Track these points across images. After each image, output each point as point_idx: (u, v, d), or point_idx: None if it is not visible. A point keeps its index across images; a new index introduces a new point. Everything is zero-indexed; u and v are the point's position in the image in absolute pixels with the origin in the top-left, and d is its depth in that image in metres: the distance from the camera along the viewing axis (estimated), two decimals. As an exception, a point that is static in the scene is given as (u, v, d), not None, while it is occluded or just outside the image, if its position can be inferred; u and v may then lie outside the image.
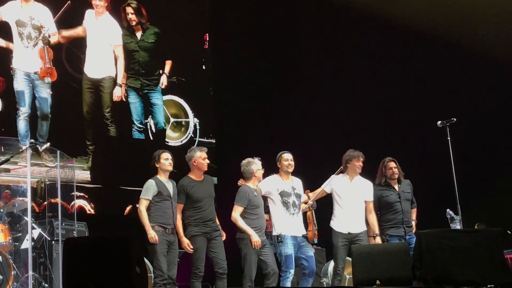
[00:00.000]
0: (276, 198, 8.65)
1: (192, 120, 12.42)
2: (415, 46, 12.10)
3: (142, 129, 11.88)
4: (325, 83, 12.60)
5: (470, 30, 11.41)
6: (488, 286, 7.13)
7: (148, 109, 12.04)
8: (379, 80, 12.43)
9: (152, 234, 8.01)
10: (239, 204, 8.36)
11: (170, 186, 8.37)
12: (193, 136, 12.38)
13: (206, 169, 8.58)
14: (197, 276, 8.26)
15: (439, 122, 9.10)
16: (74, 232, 9.58)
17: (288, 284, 8.47)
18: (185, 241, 8.18)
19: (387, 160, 9.22)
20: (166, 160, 8.41)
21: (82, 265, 5.73)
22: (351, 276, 9.17)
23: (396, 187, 9.16)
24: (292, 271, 8.54)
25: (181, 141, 12.32)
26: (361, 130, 12.08)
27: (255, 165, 8.64)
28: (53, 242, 9.40)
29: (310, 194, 8.89)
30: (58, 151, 9.45)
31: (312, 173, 9.44)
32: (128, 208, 11.51)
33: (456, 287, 7.04)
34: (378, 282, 6.92)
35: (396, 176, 9.16)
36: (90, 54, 11.60)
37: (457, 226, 8.55)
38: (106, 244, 5.79)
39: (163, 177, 8.38)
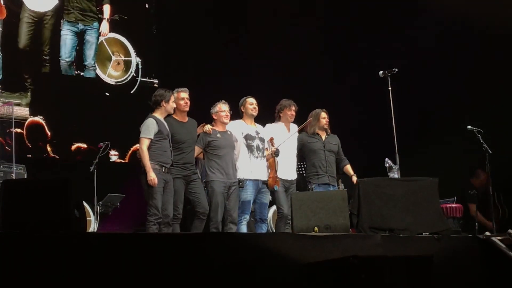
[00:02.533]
0: (241, 142, 8.67)
1: (135, 59, 12.23)
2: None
3: (70, 64, 11.60)
4: (267, 23, 12.49)
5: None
6: (424, 233, 7.31)
7: (81, 45, 11.77)
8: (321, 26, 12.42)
9: (152, 177, 7.92)
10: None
11: (167, 124, 8.29)
12: (135, 75, 12.21)
13: (186, 109, 8.47)
14: (176, 218, 8.19)
15: (380, 72, 9.17)
16: (12, 174, 9.45)
17: (243, 228, 8.56)
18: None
19: (320, 110, 9.24)
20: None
21: (20, 207, 5.66)
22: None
23: (323, 137, 9.18)
24: (247, 216, 8.65)
25: (123, 80, 12.15)
26: (300, 80, 12.08)
27: (215, 107, 8.65)
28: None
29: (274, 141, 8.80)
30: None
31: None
32: (74, 147, 11.41)
33: (392, 234, 7.20)
34: (316, 229, 7.01)
35: (327, 126, 9.18)
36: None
37: (395, 175, 8.66)
38: (45, 187, 5.73)
39: (162, 116, 8.31)
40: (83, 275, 5.52)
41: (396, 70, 9.02)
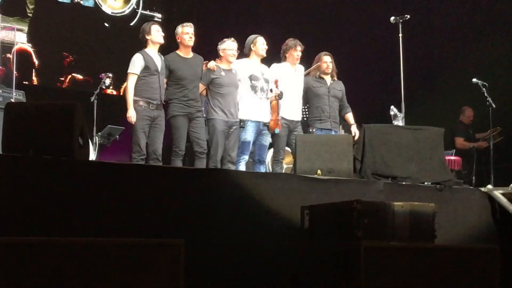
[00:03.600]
0: (245, 82, 8.55)
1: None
2: None
3: None
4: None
5: None
6: (426, 183, 7.26)
7: None
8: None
9: (131, 114, 7.90)
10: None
11: (158, 60, 8.18)
12: (135, 7, 11.98)
13: (191, 44, 8.36)
14: (177, 155, 8.19)
15: (392, 18, 9.02)
16: (12, 100, 9.33)
17: (242, 168, 8.54)
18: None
19: (323, 54, 9.12)
20: (157, 32, 8.22)
21: (23, 131, 5.56)
22: (288, 165, 9.25)
23: (328, 81, 9.08)
24: (246, 156, 8.64)
25: (123, 11, 11.92)
26: (310, 21, 11.87)
27: (223, 44, 8.51)
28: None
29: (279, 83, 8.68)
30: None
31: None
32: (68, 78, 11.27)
33: (395, 181, 7.15)
34: (319, 172, 6.94)
35: (329, 70, 9.06)
36: None
37: (400, 123, 8.62)
38: (50, 112, 5.62)
39: (152, 50, 8.18)
40: (83, 202, 5.46)
41: (408, 16, 8.88)
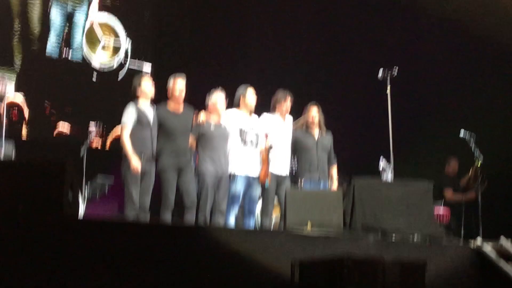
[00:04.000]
0: (235, 134, 8.57)
1: (124, 43, 12.02)
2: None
3: (57, 46, 11.37)
4: (266, 21, 12.36)
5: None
6: (415, 237, 7.27)
7: (69, 27, 11.49)
8: (321, 28, 12.30)
9: (135, 164, 7.89)
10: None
11: (150, 112, 8.18)
12: (124, 60, 12.01)
13: (181, 99, 8.34)
14: (167, 208, 8.14)
15: (380, 73, 9.08)
16: (1, 149, 9.30)
17: (232, 220, 8.51)
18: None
19: (310, 105, 9.17)
20: (148, 85, 8.23)
21: (12, 187, 5.54)
22: (278, 217, 9.24)
23: (316, 134, 9.12)
24: (236, 208, 8.58)
25: (111, 66, 11.96)
26: (299, 74, 11.97)
27: (211, 96, 8.53)
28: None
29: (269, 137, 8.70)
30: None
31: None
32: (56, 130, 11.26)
33: (383, 234, 7.15)
34: (309, 223, 6.94)
35: (316, 121, 9.10)
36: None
37: (389, 176, 8.64)
38: (40, 168, 5.61)
39: (144, 104, 8.20)
40: (72, 259, 5.43)
41: (396, 71, 8.94)
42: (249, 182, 8.57)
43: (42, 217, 5.41)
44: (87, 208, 9.96)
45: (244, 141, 8.54)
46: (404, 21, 11.59)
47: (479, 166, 10.15)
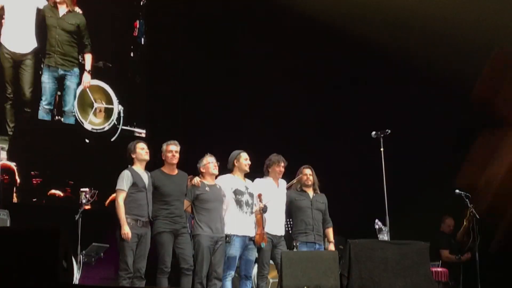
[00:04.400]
0: (230, 196, 8.57)
1: (117, 107, 12.05)
2: (351, 54, 12.05)
3: (50, 110, 11.32)
4: (261, 83, 12.44)
5: (403, 38, 11.44)
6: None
7: (61, 91, 11.44)
8: (314, 89, 12.38)
9: (126, 231, 7.88)
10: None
11: (145, 176, 8.22)
12: (116, 123, 12.03)
13: (174, 162, 8.42)
14: (163, 272, 8.12)
15: (373, 133, 9.15)
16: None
17: (228, 285, 8.47)
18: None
19: (303, 167, 9.20)
20: (142, 150, 8.29)
21: (6, 257, 5.50)
22: (274, 280, 9.17)
23: (311, 194, 9.12)
24: (233, 272, 8.55)
25: (103, 128, 11.96)
26: (292, 137, 12.00)
27: (202, 161, 8.59)
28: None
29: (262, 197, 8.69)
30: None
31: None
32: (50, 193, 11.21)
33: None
34: (306, 288, 6.90)
35: (310, 183, 9.12)
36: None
37: (385, 237, 8.60)
38: (33, 236, 5.57)
39: (138, 168, 8.23)
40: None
41: (389, 131, 9.00)
42: (245, 244, 8.55)
43: (37, 286, 5.34)
44: (82, 274, 9.88)
45: (239, 203, 8.55)
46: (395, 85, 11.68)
47: (471, 213, 10.10)
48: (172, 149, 8.39)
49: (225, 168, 8.79)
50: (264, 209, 8.50)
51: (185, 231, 8.31)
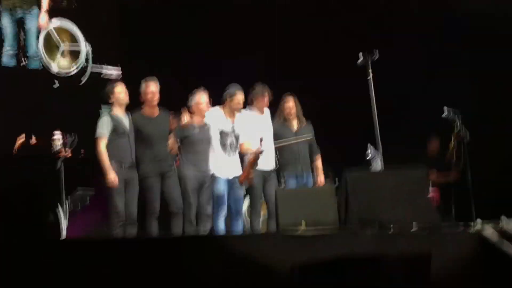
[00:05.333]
0: (215, 137, 8.31)
1: (85, 48, 11.49)
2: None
3: (13, 55, 10.80)
4: (240, 12, 11.98)
5: None
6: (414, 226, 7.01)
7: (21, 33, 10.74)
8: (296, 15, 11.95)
9: (112, 177, 7.62)
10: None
11: (126, 120, 7.96)
12: (85, 64, 11.54)
13: (155, 103, 8.14)
14: (152, 215, 8.00)
15: (360, 58, 8.74)
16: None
17: (221, 224, 8.36)
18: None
19: (286, 96, 8.91)
20: (120, 94, 8.00)
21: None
22: (265, 216, 8.99)
23: (295, 125, 8.86)
24: (224, 211, 8.42)
25: (71, 70, 11.47)
26: (276, 69, 11.62)
27: (194, 97, 8.31)
28: None
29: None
30: None
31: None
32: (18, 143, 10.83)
33: (381, 228, 6.89)
34: (303, 223, 6.68)
35: (293, 112, 8.85)
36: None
37: (378, 162, 8.42)
38: (17, 190, 5.31)
39: (118, 111, 7.89)
40: (58, 284, 5.09)
41: (377, 54, 8.62)
42: (231, 183, 8.35)
43: (23, 243, 5.08)
44: (70, 222, 9.63)
45: (223, 145, 8.33)
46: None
47: (457, 132, 9.87)
48: (152, 90, 8.05)
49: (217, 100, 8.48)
50: (260, 154, 8.25)
51: (172, 173, 8.15)
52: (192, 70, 10.91)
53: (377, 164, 8.42)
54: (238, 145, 8.52)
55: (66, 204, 9.52)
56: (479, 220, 7.49)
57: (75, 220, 9.79)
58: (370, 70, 8.56)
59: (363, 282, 5.30)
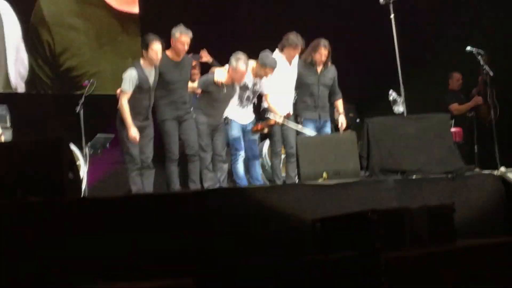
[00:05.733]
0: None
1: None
2: None
3: None
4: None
5: None
6: (438, 173, 6.93)
7: None
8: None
9: (134, 134, 7.61)
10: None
11: (152, 75, 7.81)
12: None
13: (182, 54, 7.99)
14: (171, 160, 7.96)
15: (381, -1, 8.54)
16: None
17: (240, 166, 8.40)
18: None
19: (322, 44, 8.66)
20: (156, 54, 7.69)
21: (9, 171, 5.21)
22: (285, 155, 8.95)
23: (318, 69, 8.70)
24: (242, 152, 8.44)
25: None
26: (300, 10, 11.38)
27: (237, 62, 8.08)
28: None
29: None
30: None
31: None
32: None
33: (404, 176, 6.82)
34: (325, 175, 6.62)
35: (322, 61, 8.68)
36: None
37: (400, 108, 8.28)
38: (35, 149, 5.27)
39: (147, 67, 7.77)
40: (79, 244, 5.06)
41: None
42: (245, 127, 8.48)
43: (43, 202, 5.05)
44: (90, 166, 9.62)
45: (240, 98, 8.30)
46: None
47: (484, 71, 9.66)
48: (185, 41, 7.91)
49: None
50: (279, 123, 8.24)
51: (189, 117, 8.12)
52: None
53: (399, 109, 8.27)
54: (255, 97, 8.50)
55: (86, 149, 9.53)
56: (503, 168, 7.41)
57: (95, 165, 9.81)
58: (392, 10, 8.30)
59: (387, 235, 5.22)
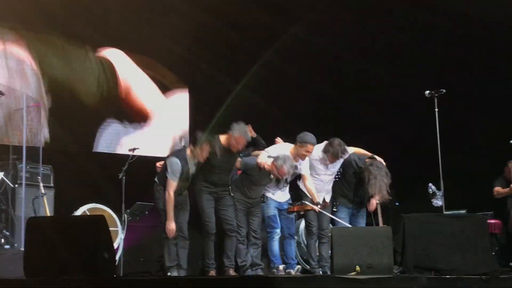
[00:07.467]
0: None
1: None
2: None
3: None
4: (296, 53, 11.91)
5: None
6: (472, 274, 6.86)
7: None
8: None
9: (172, 227, 7.81)
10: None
11: (193, 166, 8.01)
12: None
13: (235, 150, 8.14)
14: (208, 236, 8.06)
15: (427, 92, 8.64)
16: (38, 177, 9.10)
17: (275, 244, 8.36)
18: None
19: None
20: (203, 153, 7.90)
21: (45, 247, 5.30)
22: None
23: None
24: (278, 230, 8.41)
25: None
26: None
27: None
28: (15, 185, 9.09)
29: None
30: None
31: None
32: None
33: (439, 275, 6.77)
34: (358, 268, 6.61)
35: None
36: None
37: (439, 201, 8.27)
38: (73, 226, 5.37)
39: (191, 159, 7.98)
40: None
41: (444, 91, 8.52)
42: (280, 206, 8.48)
43: (78, 280, 5.13)
44: (127, 233, 9.70)
45: (278, 181, 8.30)
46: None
47: None
48: (242, 143, 8.07)
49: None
50: (319, 209, 8.25)
51: (226, 194, 8.16)
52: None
53: (437, 202, 8.27)
54: (289, 180, 8.47)
55: (124, 216, 9.63)
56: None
57: (133, 230, 9.89)
58: (436, 105, 8.39)
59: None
